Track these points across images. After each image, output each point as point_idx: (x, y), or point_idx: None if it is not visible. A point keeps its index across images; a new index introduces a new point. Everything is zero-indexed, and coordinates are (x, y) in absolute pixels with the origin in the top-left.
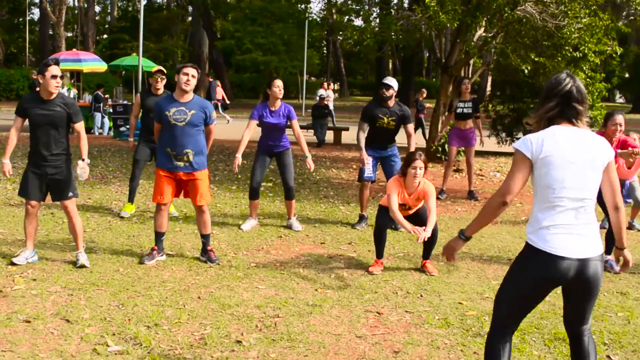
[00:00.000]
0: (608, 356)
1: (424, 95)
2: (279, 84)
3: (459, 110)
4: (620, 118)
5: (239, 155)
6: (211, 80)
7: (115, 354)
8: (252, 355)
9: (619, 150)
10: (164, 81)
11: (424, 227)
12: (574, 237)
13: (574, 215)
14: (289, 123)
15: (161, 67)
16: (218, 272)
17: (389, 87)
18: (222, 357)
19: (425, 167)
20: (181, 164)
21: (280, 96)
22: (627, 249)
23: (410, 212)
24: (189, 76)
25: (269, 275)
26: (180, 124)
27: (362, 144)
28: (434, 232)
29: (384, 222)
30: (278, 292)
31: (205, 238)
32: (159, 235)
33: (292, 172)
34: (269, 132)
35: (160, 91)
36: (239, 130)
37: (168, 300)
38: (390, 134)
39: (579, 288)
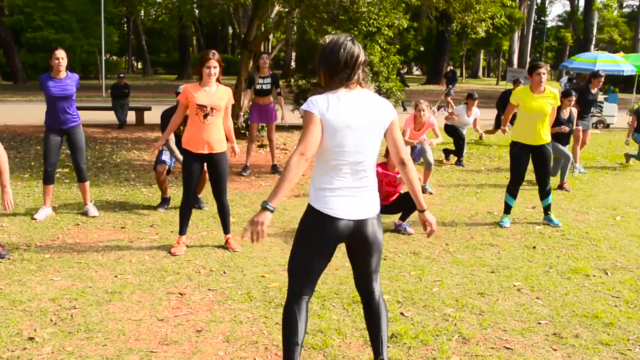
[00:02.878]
0: (402, 313)
1: None
2: (60, 55)
3: (258, 87)
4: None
5: None
6: None
7: None
8: (46, 351)
9: (399, 176)
10: None
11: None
12: (350, 200)
13: (351, 178)
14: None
15: None
16: (8, 268)
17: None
18: (12, 356)
19: (221, 66)
20: None
21: (62, 68)
22: (427, 211)
23: (213, 123)
24: None
25: (65, 266)
26: None
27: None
28: (225, 206)
29: (193, 188)
30: (75, 283)
31: None
32: None
33: (83, 152)
34: (56, 104)
35: None
36: (32, 115)
37: None
38: None
39: (359, 245)
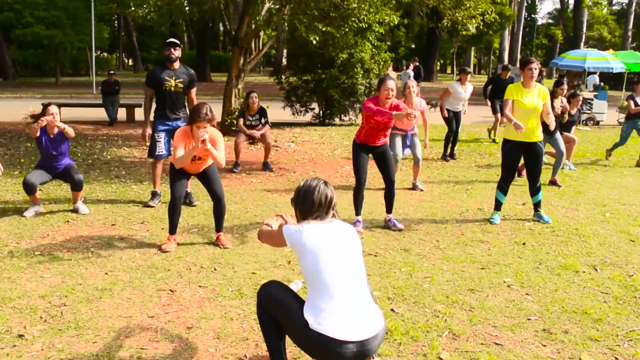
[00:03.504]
0: (392, 309)
1: None
2: (54, 111)
3: (247, 123)
4: (391, 83)
5: None
6: None
7: None
8: (36, 348)
9: (394, 112)
10: None
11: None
12: (353, 320)
13: (346, 296)
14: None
15: None
16: None
17: (176, 45)
18: (1, 354)
19: (213, 118)
20: None
21: (58, 122)
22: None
23: (202, 164)
24: None
25: (55, 263)
26: None
27: (147, 114)
28: (222, 206)
29: (179, 193)
30: (65, 280)
31: None
32: None
33: (76, 170)
34: (49, 155)
35: None
36: (22, 111)
37: None
38: (179, 98)
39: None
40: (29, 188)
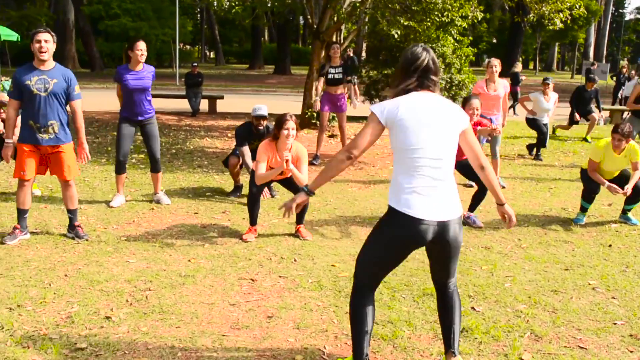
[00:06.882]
0: (473, 307)
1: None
2: (142, 47)
3: (329, 76)
4: (476, 103)
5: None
6: None
7: None
8: (122, 330)
9: (479, 128)
10: None
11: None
12: (432, 200)
13: (432, 178)
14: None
15: None
16: (86, 248)
17: (265, 118)
18: (90, 334)
19: (297, 129)
20: (46, 136)
21: (143, 60)
22: (506, 204)
23: (283, 177)
24: (42, 42)
25: (140, 249)
26: (43, 93)
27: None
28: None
29: (258, 189)
30: (150, 265)
31: (72, 213)
32: (21, 213)
33: (158, 141)
34: (132, 96)
35: None
36: (109, 101)
37: (32, 279)
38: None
39: (440, 248)
40: (121, 166)
